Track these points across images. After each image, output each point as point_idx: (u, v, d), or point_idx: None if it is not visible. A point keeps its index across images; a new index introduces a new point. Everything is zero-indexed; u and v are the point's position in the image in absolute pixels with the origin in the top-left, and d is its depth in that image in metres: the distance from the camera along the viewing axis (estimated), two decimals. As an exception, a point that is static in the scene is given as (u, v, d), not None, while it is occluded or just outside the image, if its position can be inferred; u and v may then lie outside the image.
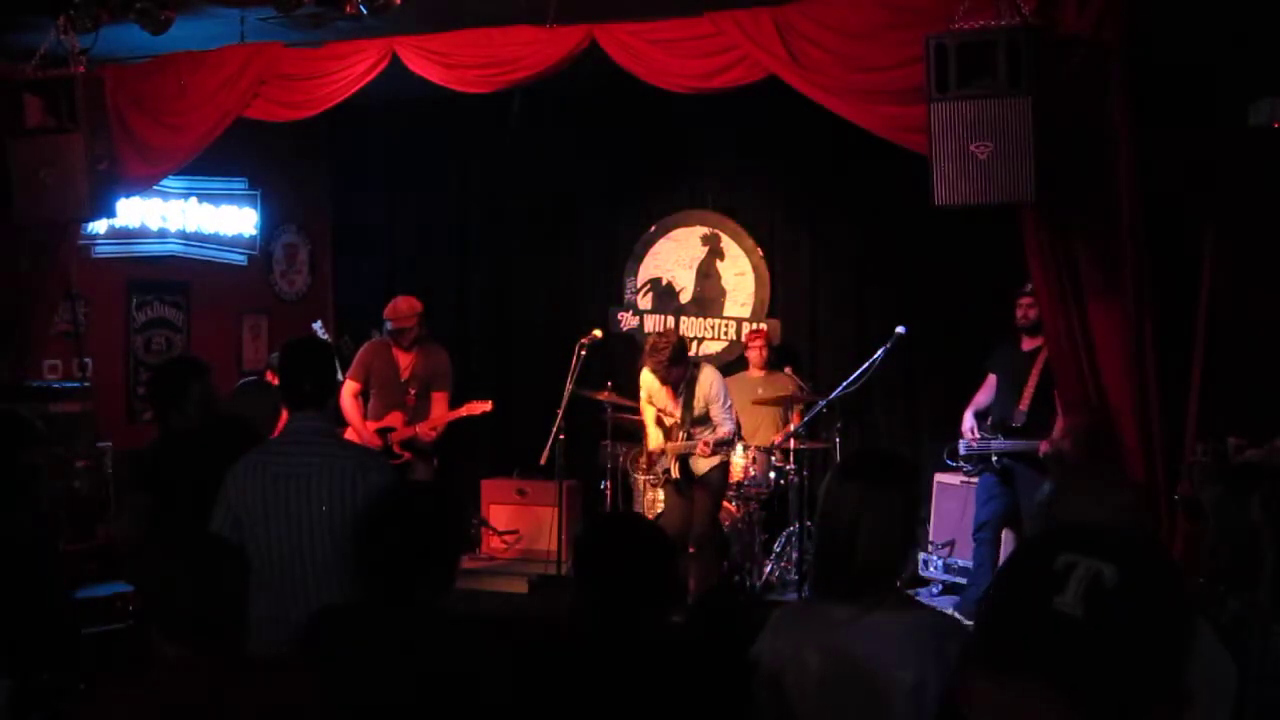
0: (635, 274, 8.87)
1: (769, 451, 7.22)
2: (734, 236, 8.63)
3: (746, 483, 7.12)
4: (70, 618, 4.36)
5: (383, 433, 6.79)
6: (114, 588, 5.65)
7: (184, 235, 8.17)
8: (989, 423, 6.42)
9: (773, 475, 7.19)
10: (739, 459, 7.06)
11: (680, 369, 6.41)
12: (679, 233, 8.79)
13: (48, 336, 7.15)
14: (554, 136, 8.65)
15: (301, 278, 9.46)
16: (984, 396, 6.56)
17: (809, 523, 7.03)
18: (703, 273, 8.73)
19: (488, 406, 6.94)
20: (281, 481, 3.59)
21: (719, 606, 6.26)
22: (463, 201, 9.28)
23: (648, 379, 6.62)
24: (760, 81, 5.61)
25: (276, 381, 5.58)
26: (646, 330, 8.75)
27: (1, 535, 3.78)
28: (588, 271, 9.04)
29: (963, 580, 6.97)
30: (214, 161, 7.37)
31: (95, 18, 5.69)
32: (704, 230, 8.72)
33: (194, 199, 8.23)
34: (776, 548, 7.34)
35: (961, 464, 6.62)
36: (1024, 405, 6.23)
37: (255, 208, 8.70)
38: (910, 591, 6.63)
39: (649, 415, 6.73)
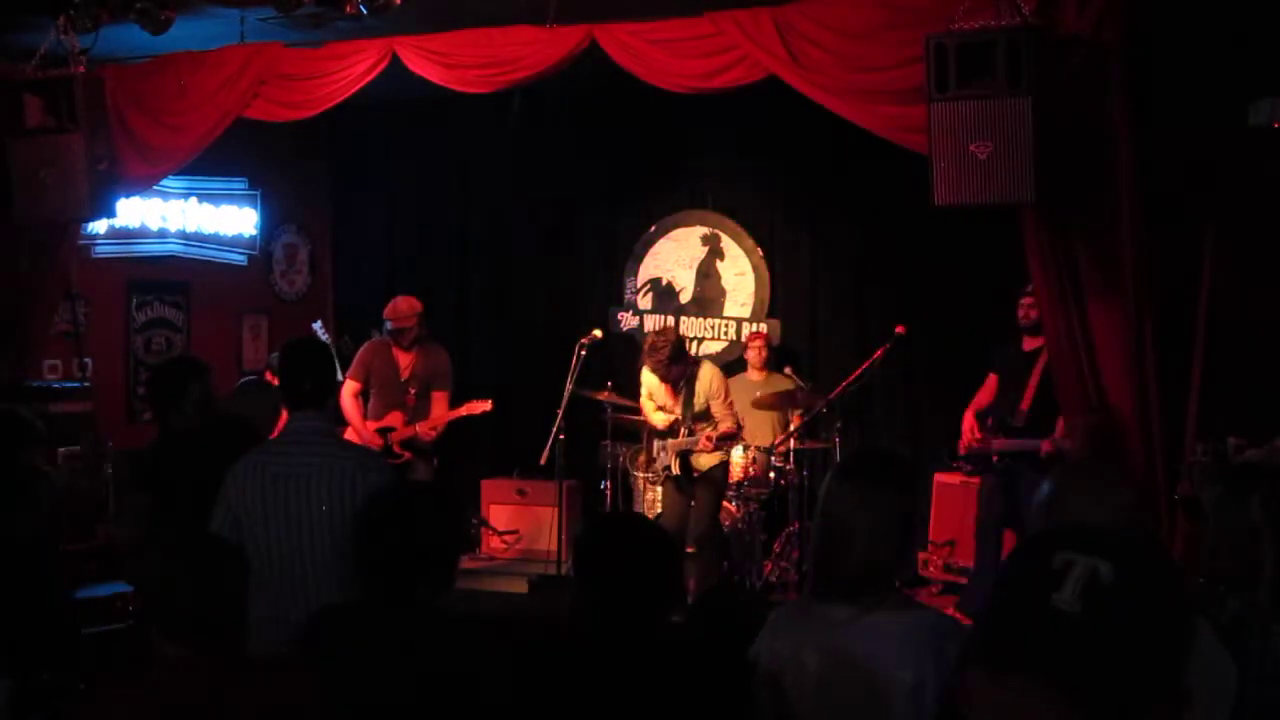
0: (635, 274, 8.87)
1: (769, 451, 7.22)
2: (734, 236, 8.63)
3: (746, 483, 7.12)
4: (70, 618, 4.37)
5: (383, 432, 6.79)
6: (114, 588, 5.65)
7: (184, 235, 8.17)
8: (989, 423, 6.42)
9: (773, 475, 7.19)
10: (739, 459, 7.06)
11: (680, 367, 6.42)
12: (679, 233, 8.79)
13: (48, 336, 7.16)
14: (554, 136, 8.65)
15: (301, 278, 9.46)
16: (984, 397, 6.56)
17: (809, 523, 7.03)
18: (703, 273, 8.73)
19: (488, 406, 6.94)
20: (281, 481, 3.59)
21: (719, 606, 6.26)
22: (463, 201, 9.28)
23: (648, 378, 6.62)
24: (760, 81, 5.61)
25: (276, 382, 5.58)
26: (646, 330, 8.74)
27: (2, 535, 3.78)
28: (588, 271, 9.04)
29: (963, 580, 6.96)
30: (214, 161, 7.38)
31: (95, 18, 5.69)
32: (704, 230, 8.72)
33: (194, 199, 8.23)
34: (776, 548, 7.33)
35: (962, 464, 6.61)
36: (1025, 405, 6.22)
37: (255, 208, 8.70)
38: (910, 591, 6.63)
39: (648, 407, 6.73)
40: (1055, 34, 4.85)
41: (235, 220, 8.57)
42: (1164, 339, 5.01)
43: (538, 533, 7.88)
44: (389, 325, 6.88)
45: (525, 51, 5.89)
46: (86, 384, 7.20)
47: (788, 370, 7.85)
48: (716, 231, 8.68)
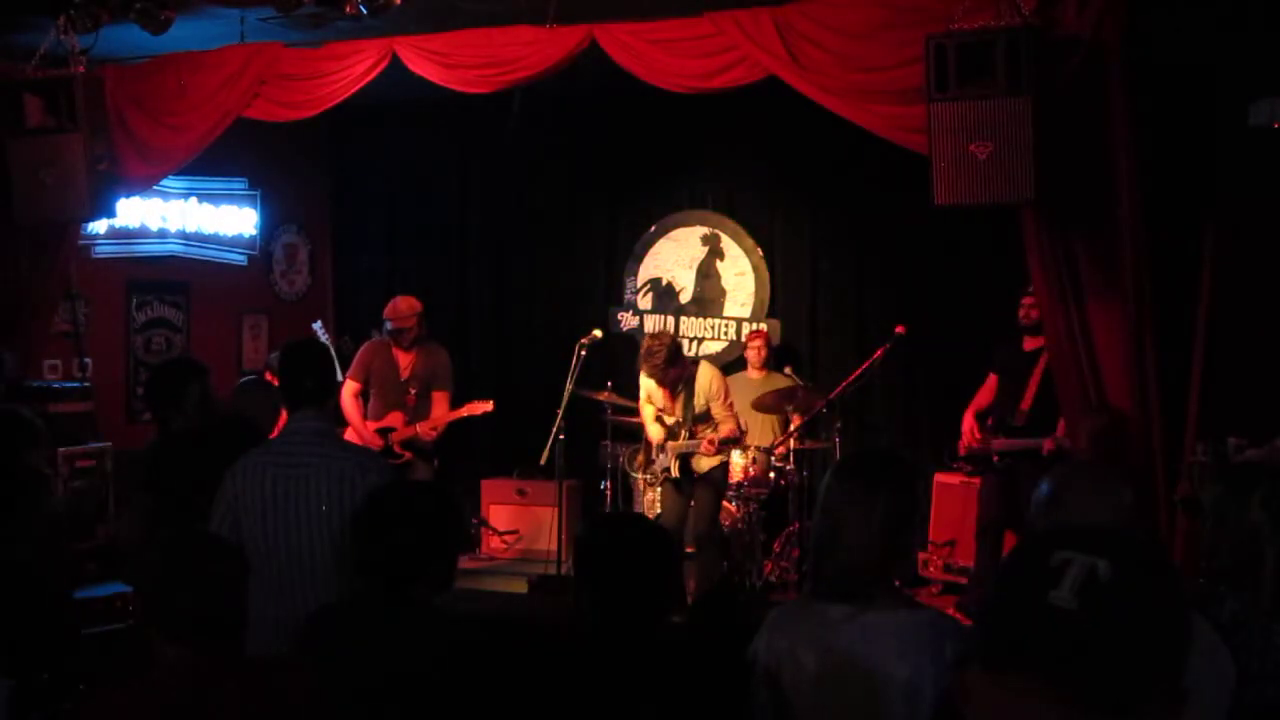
0: (635, 274, 8.88)
1: (769, 451, 7.22)
2: (734, 236, 8.63)
3: (746, 483, 7.12)
4: (70, 618, 4.36)
5: (383, 433, 6.79)
6: (114, 588, 5.64)
7: (184, 235, 8.17)
8: (990, 423, 6.42)
9: (773, 475, 7.19)
10: (739, 459, 7.06)
11: (677, 369, 6.40)
12: (679, 233, 8.79)
13: (48, 336, 7.16)
14: (554, 136, 8.66)
15: (301, 278, 9.46)
16: (984, 397, 6.56)
17: (809, 523, 7.03)
18: (703, 273, 8.73)
19: (489, 407, 6.94)
20: (281, 482, 3.59)
21: (719, 606, 6.25)
22: (463, 201, 9.28)
23: (646, 381, 6.60)
24: (760, 81, 5.61)
25: (276, 382, 5.58)
26: (646, 330, 8.74)
27: (4, 535, 3.78)
28: (588, 271, 9.04)
29: (963, 580, 6.96)
30: (214, 161, 7.38)
31: (95, 18, 5.69)
32: (704, 230, 8.72)
33: (194, 199, 8.23)
34: (776, 548, 7.33)
35: (962, 464, 6.61)
36: (1026, 405, 6.22)
37: (255, 208, 8.70)
38: (910, 591, 6.63)
39: (648, 414, 6.73)
40: (1055, 34, 4.85)
41: (235, 220, 8.57)
42: (1164, 339, 5.01)
43: (538, 533, 7.89)
44: (389, 325, 6.88)
45: (525, 51, 5.89)
46: (86, 384, 7.20)
47: (788, 370, 7.85)
48: (716, 231, 8.68)
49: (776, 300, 8.53)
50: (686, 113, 7.38)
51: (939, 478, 7.27)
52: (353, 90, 6.20)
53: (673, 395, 6.54)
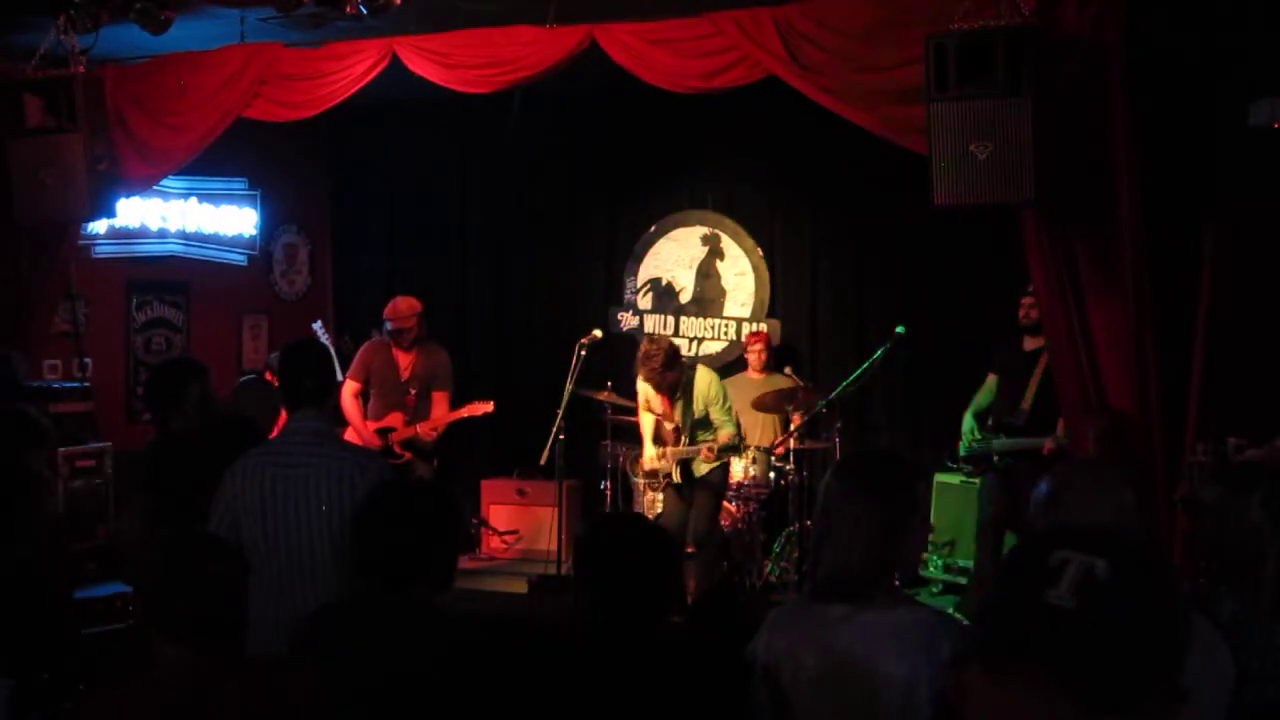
0: (635, 274, 8.87)
1: (769, 451, 7.21)
2: (734, 236, 8.63)
3: (746, 483, 7.12)
4: (70, 618, 4.36)
5: (383, 433, 6.79)
6: (114, 588, 5.65)
7: (184, 235, 8.18)
8: (990, 423, 6.42)
9: (772, 475, 7.19)
10: (738, 461, 7.06)
11: (674, 374, 6.40)
12: (679, 233, 8.79)
13: (48, 336, 7.15)
14: (554, 136, 8.66)
15: (301, 278, 9.46)
16: (984, 397, 6.55)
17: (809, 523, 7.03)
18: (703, 273, 8.73)
19: (489, 407, 6.94)
20: (280, 482, 3.59)
21: (719, 606, 6.26)
22: (463, 201, 9.28)
23: (644, 386, 6.61)
24: (760, 81, 5.61)
25: (276, 382, 5.58)
26: (646, 330, 8.75)
27: (4, 535, 3.78)
28: (588, 271, 9.04)
29: (963, 580, 6.96)
30: (214, 161, 7.38)
31: (95, 18, 5.69)
32: (704, 230, 8.72)
33: (194, 199, 8.23)
34: (776, 548, 7.33)
35: (962, 465, 6.61)
36: (1026, 404, 6.22)
37: (255, 208, 8.70)
38: (910, 592, 6.63)
39: (646, 426, 6.73)
40: (1055, 34, 4.85)
41: (235, 220, 8.57)
42: (1164, 339, 5.01)
43: (538, 533, 7.89)
44: (389, 325, 6.88)
45: (525, 51, 5.89)
46: (86, 384, 7.20)
47: (788, 370, 7.85)
48: (716, 231, 8.68)
49: (776, 300, 8.53)
50: (686, 113, 7.38)
51: (939, 478, 7.26)
52: (353, 90, 6.20)
53: (670, 400, 6.54)
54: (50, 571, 4.00)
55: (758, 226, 8.60)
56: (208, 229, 8.37)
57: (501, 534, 8.13)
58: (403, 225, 9.47)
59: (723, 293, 8.69)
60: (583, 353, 6.81)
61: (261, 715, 2.44)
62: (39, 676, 3.52)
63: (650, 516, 6.93)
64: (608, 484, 7.60)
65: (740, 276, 8.62)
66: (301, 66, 6.26)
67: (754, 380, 7.82)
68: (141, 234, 7.96)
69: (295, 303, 9.30)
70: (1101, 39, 4.85)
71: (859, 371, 6.76)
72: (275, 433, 4.98)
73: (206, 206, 8.33)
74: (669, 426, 6.64)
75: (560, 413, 6.83)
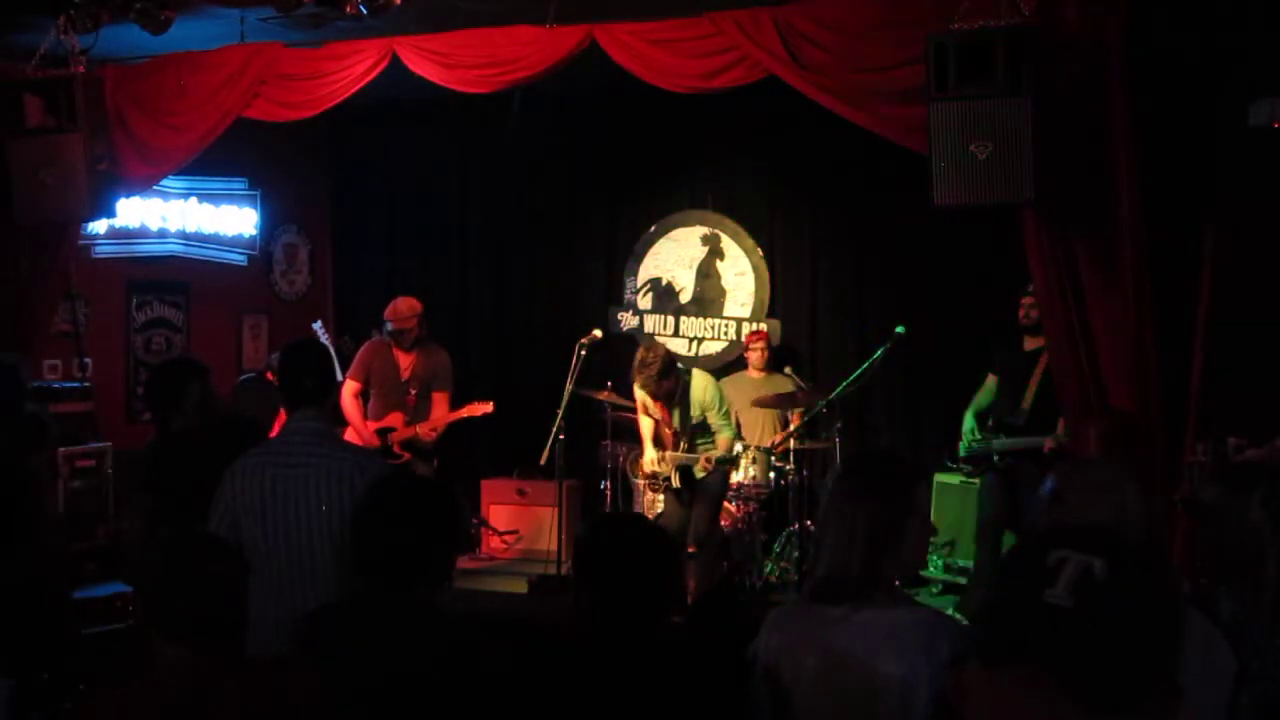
0: (635, 274, 8.87)
1: (769, 451, 7.21)
2: (734, 236, 8.63)
3: (746, 483, 7.12)
4: (70, 618, 4.37)
5: (383, 433, 6.80)
6: (114, 588, 5.65)
7: (184, 235, 8.18)
8: (990, 423, 6.42)
9: (772, 475, 7.18)
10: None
11: (670, 381, 6.42)
12: (679, 233, 8.79)
13: (48, 336, 7.15)
14: (554, 136, 8.66)
15: (301, 278, 9.46)
16: (984, 397, 6.56)
17: (809, 523, 7.03)
18: (703, 273, 8.73)
19: (489, 408, 6.95)
20: (280, 482, 3.59)
21: (719, 606, 6.26)
22: (463, 201, 9.28)
23: (640, 392, 6.63)
24: (760, 81, 5.61)
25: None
26: (647, 330, 8.75)
27: (4, 536, 3.78)
28: (588, 271, 9.04)
29: (963, 580, 6.96)
30: (214, 161, 7.38)
31: (95, 18, 5.69)
32: (704, 230, 8.72)
33: (194, 199, 8.24)
34: (776, 548, 7.33)
35: (962, 465, 6.61)
36: (1026, 404, 6.22)
37: (255, 208, 8.70)
38: (910, 592, 6.63)
39: (646, 429, 6.74)
40: (1055, 34, 4.85)
41: (235, 220, 8.57)
42: (1164, 339, 5.01)
43: (538, 533, 7.88)
44: (389, 326, 6.89)
45: (525, 51, 5.89)
46: (86, 384, 7.20)
47: (788, 370, 7.84)
48: (716, 231, 8.68)
49: (776, 300, 8.53)
50: (686, 113, 7.38)
51: (939, 478, 7.26)
52: (353, 90, 6.20)
53: (668, 407, 6.56)
54: (50, 571, 4.00)
55: (758, 226, 8.60)
56: (208, 229, 8.37)
57: (501, 534, 8.12)
58: (403, 225, 9.47)
59: (723, 293, 8.69)
60: (583, 353, 6.81)
61: (261, 715, 2.44)
62: (39, 676, 3.52)
63: (650, 516, 6.93)
64: (608, 484, 7.60)
65: (740, 276, 8.62)
66: (301, 66, 6.26)
67: (754, 380, 7.82)
68: (141, 234, 7.96)
69: (295, 303, 9.30)
70: (1101, 39, 4.85)
71: (859, 371, 6.76)
72: (275, 432, 4.99)
73: (206, 206, 8.34)
74: (668, 431, 6.66)
75: (560, 413, 6.83)
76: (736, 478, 7.07)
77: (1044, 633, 1.16)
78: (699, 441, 6.70)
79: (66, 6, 5.68)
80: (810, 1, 5.40)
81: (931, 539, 7.25)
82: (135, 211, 7.84)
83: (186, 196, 8.17)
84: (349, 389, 6.79)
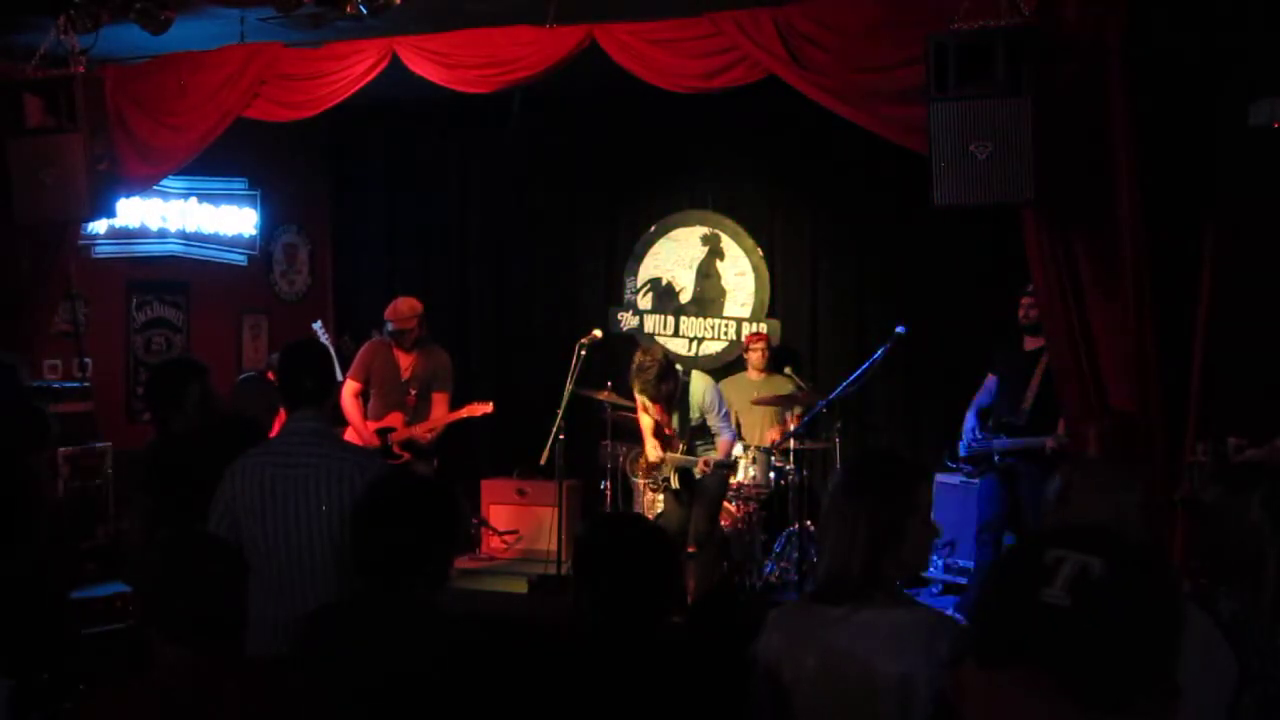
0: (635, 274, 8.87)
1: (769, 452, 7.22)
2: (734, 236, 8.63)
3: (747, 483, 7.12)
4: (70, 618, 4.37)
5: (383, 433, 6.80)
6: (114, 588, 5.65)
7: (184, 235, 8.18)
8: (990, 423, 6.42)
9: (772, 475, 7.18)
10: (739, 458, 7.06)
11: (669, 384, 6.43)
12: (679, 233, 8.79)
13: (48, 336, 7.15)
14: (554, 136, 8.66)
15: (301, 278, 9.46)
16: (983, 397, 6.56)
17: (809, 523, 7.03)
18: (703, 273, 8.73)
19: (488, 408, 6.95)
20: (280, 482, 3.59)
21: (719, 606, 6.26)
22: (463, 201, 9.28)
23: (639, 395, 6.64)
24: (760, 81, 5.61)
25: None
26: (647, 330, 8.75)
27: (4, 536, 3.79)
28: (588, 271, 9.04)
29: (963, 580, 6.96)
30: (214, 161, 7.38)
31: (95, 18, 5.69)
32: (704, 230, 8.72)
33: (194, 199, 8.23)
34: (776, 548, 7.33)
35: (962, 465, 6.61)
36: (1027, 404, 6.22)
37: (255, 208, 8.70)
38: (910, 592, 6.63)
39: (647, 426, 6.75)
40: (1055, 34, 4.85)
41: (235, 220, 8.57)
42: (1164, 339, 5.01)
43: (538, 533, 7.89)
44: (390, 326, 6.89)
45: (525, 51, 5.89)
46: (86, 384, 7.20)
47: (788, 370, 7.85)
48: (716, 231, 8.68)
49: (776, 300, 8.53)
50: (686, 113, 7.38)
51: (939, 478, 7.25)
52: (353, 90, 6.19)
53: (667, 410, 6.56)
54: (50, 571, 4.00)
55: (758, 226, 8.60)
56: (208, 229, 8.37)
57: (501, 534, 8.12)
58: (403, 225, 9.47)
59: (723, 293, 8.69)
60: (583, 353, 6.81)
61: (261, 715, 2.44)
62: (39, 676, 3.52)
63: (650, 516, 6.93)
64: (608, 484, 7.60)
65: (740, 276, 8.62)
66: (301, 66, 6.26)
67: (754, 380, 7.82)
68: (141, 234, 7.96)
69: (295, 303, 9.30)
70: (1101, 39, 4.85)
71: (859, 372, 6.76)
72: (274, 431, 4.98)
73: (206, 206, 8.33)
74: (668, 431, 6.67)
75: (560, 413, 6.83)
76: (736, 478, 7.07)
77: (1041, 632, 1.16)
78: (698, 443, 6.71)
79: (66, 6, 5.68)
80: (810, 1, 5.39)
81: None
82: (135, 211, 7.84)
83: (186, 196, 8.17)
84: (349, 389, 6.80)
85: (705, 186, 8.77)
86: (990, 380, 6.57)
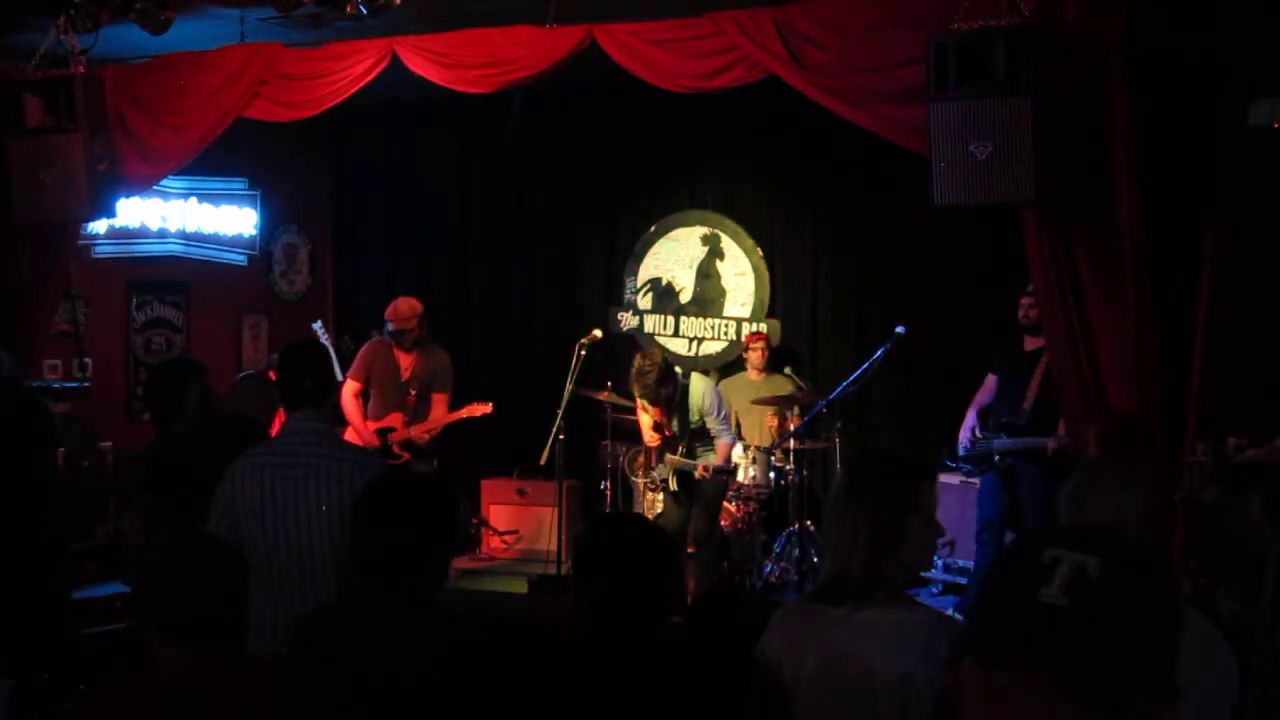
0: (635, 274, 8.87)
1: (769, 451, 7.22)
2: (734, 236, 8.63)
3: (747, 483, 7.12)
4: (70, 618, 4.36)
5: (382, 433, 6.80)
6: (114, 588, 5.65)
7: (184, 235, 8.18)
8: (990, 423, 6.42)
9: (772, 475, 7.18)
10: (738, 459, 7.06)
11: (668, 388, 6.44)
12: (679, 233, 8.79)
13: (48, 336, 7.15)
14: (554, 136, 8.66)
15: (301, 278, 9.46)
16: (984, 397, 6.56)
17: (809, 523, 7.04)
18: (703, 273, 8.73)
19: (488, 409, 6.95)
20: (280, 482, 3.59)
21: (719, 606, 6.26)
22: (463, 201, 9.28)
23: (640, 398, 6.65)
24: (760, 81, 5.61)
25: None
26: (647, 330, 8.75)
27: (14, 533, 3.78)
28: (588, 271, 9.04)
29: (963, 580, 6.96)
30: (214, 161, 7.38)
31: (95, 18, 5.69)
32: (704, 230, 8.72)
33: (194, 199, 8.23)
34: (776, 548, 7.33)
35: (962, 464, 6.61)
36: (1028, 404, 6.22)
37: (255, 208, 8.70)
38: (910, 592, 6.63)
39: (645, 422, 6.75)
40: (1055, 34, 4.85)
41: (235, 220, 8.57)
42: (1164, 339, 5.01)
43: (538, 533, 7.89)
44: (390, 326, 6.89)
45: (525, 51, 5.89)
46: (86, 384, 7.20)
47: (787, 370, 7.85)
48: (716, 231, 8.68)
49: (776, 300, 8.53)
50: (686, 113, 7.38)
51: (939, 478, 7.24)
52: (353, 90, 6.20)
53: (667, 413, 6.57)
54: (50, 571, 4.00)
55: (758, 226, 8.60)
56: (208, 229, 8.37)
57: (501, 534, 8.12)
58: (403, 225, 9.47)
59: (723, 293, 8.69)
60: (583, 353, 6.82)
61: (261, 715, 2.44)
62: (39, 676, 3.52)
63: (650, 516, 6.93)
64: (608, 484, 7.60)
65: (740, 276, 8.62)
66: (301, 66, 6.26)
67: (754, 380, 7.83)
68: (141, 234, 7.96)
69: (295, 303, 9.30)
70: (1101, 39, 4.85)
71: (859, 372, 6.76)
72: (273, 429, 4.98)
73: (206, 206, 8.33)
74: (667, 432, 6.67)
75: (560, 413, 6.83)
76: (736, 478, 7.07)
77: (1039, 632, 1.16)
78: (698, 446, 6.71)
79: (66, 6, 5.68)
80: (810, 1, 5.40)
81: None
82: (135, 211, 7.84)
83: (186, 196, 8.17)
84: (349, 389, 6.80)
85: (705, 186, 8.77)
86: (990, 380, 6.57)
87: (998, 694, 1.18)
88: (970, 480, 6.80)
